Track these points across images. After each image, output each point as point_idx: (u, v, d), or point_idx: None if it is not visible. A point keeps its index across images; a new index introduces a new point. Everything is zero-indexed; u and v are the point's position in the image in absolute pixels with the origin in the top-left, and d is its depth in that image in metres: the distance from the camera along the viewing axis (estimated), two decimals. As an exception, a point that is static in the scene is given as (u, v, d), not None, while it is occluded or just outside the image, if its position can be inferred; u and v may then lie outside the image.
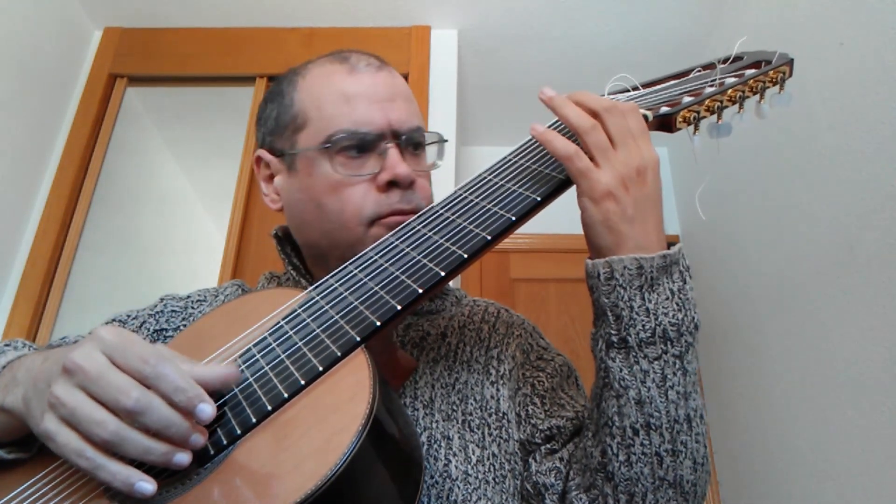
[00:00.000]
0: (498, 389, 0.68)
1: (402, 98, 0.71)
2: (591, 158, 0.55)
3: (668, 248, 0.56)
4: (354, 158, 0.66)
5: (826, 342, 1.40)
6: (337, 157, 0.66)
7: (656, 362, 0.54)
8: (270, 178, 0.73)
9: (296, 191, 0.70)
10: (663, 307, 0.54)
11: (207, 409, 0.46)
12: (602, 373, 0.57)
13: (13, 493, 0.50)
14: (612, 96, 0.68)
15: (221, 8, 2.02)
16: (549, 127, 0.65)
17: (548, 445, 0.65)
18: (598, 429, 0.58)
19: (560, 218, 1.22)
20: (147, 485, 0.44)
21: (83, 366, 0.44)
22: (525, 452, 0.66)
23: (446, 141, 0.76)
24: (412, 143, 0.70)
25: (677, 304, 0.54)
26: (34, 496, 0.49)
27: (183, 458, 0.46)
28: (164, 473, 0.48)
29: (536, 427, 0.66)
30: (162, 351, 0.47)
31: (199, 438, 0.46)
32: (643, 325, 0.54)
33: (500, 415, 0.66)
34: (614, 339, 0.55)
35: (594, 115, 0.57)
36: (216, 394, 0.52)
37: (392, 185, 0.66)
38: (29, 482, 0.50)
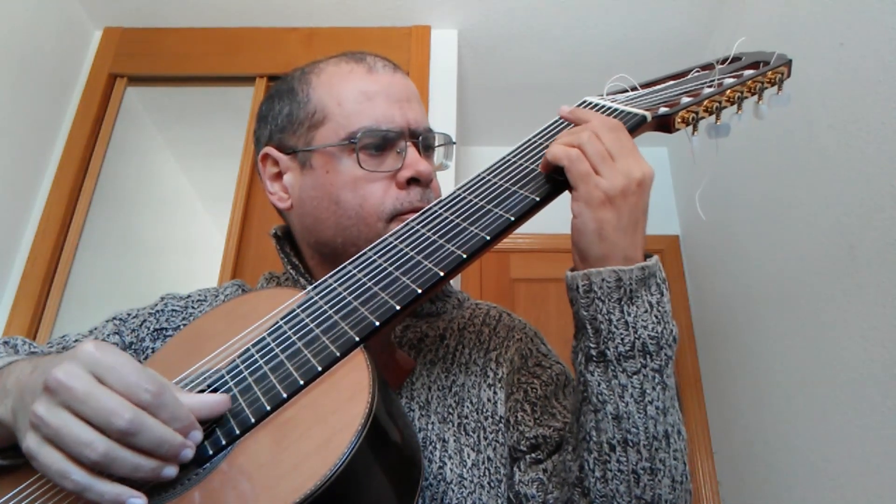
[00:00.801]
0: (495, 392, 0.67)
1: (416, 99, 0.72)
2: (594, 167, 0.54)
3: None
4: (374, 156, 0.67)
5: (826, 342, 1.39)
6: (359, 154, 0.66)
7: (635, 377, 0.53)
8: (278, 175, 0.73)
9: (310, 188, 0.69)
10: (642, 320, 0.53)
11: (198, 435, 0.47)
12: (581, 387, 0.56)
13: (5, 498, 0.50)
14: (610, 96, 0.68)
15: (221, 8, 2.02)
16: (548, 128, 0.66)
17: (532, 455, 0.64)
18: (577, 443, 0.57)
19: (560, 218, 1.22)
20: (138, 501, 0.43)
21: (67, 384, 0.43)
22: (511, 459, 0.65)
23: (455, 143, 0.76)
24: (426, 143, 0.71)
25: (656, 317, 0.53)
26: (26, 501, 0.49)
27: (171, 471, 0.45)
28: None
29: (523, 434, 0.65)
30: (159, 378, 0.47)
31: (189, 453, 0.46)
32: (622, 339, 0.53)
33: (497, 419, 0.66)
34: (593, 352, 0.54)
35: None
36: (214, 391, 0.52)
37: (412, 182, 0.67)
38: (20, 487, 0.50)
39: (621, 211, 0.53)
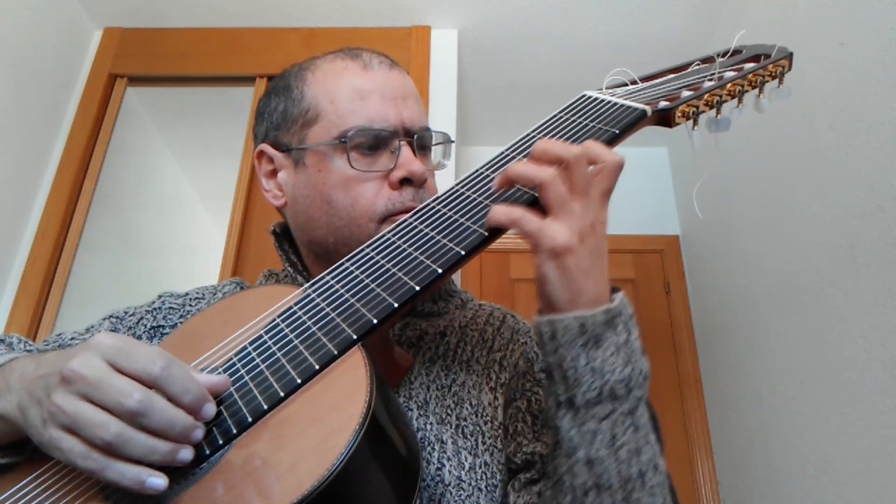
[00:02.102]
0: (496, 398, 0.66)
1: (413, 97, 0.71)
2: (550, 210, 0.52)
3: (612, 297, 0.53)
4: (367, 155, 0.66)
5: (826, 342, 1.39)
6: (350, 153, 0.65)
7: (604, 422, 0.51)
8: (273, 173, 0.72)
9: (303, 186, 0.69)
10: (609, 364, 0.51)
11: (211, 408, 0.47)
12: (553, 431, 0.54)
13: (5, 495, 0.50)
14: (609, 90, 0.68)
15: (221, 8, 2.02)
16: (542, 125, 0.64)
17: (527, 475, 0.62)
18: (552, 485, 0.55)
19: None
20: (159, 479, 0.43)
21: (82, 373, 0.44)
22: (507, 470, 0.63)
23: (453, 142, 0.75)
24: (422, 143, 0.70)
25: (624, 359, 0.52)
26: (26, 497, 0.49)
27: (187, 453, 0.45)
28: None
29: (520, 446, 0.63)
30: (168, 354, 0.47)
31: (200, 433, 0.46)
32: (589, 385, 0.51)
33: (496, 424, 0.64)
34: (562, 398, 0.52)
35: (560, 162, 0.53)
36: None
37: (405, 182, 0.66)
38: (20, 483, 0.50)
39: (581, 254, 0.51)
